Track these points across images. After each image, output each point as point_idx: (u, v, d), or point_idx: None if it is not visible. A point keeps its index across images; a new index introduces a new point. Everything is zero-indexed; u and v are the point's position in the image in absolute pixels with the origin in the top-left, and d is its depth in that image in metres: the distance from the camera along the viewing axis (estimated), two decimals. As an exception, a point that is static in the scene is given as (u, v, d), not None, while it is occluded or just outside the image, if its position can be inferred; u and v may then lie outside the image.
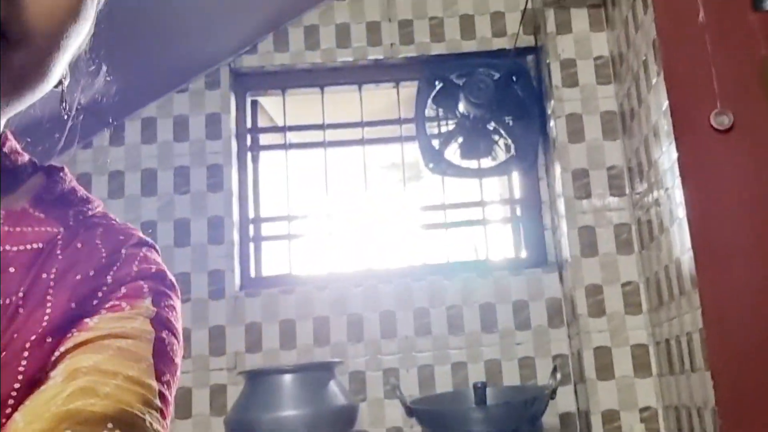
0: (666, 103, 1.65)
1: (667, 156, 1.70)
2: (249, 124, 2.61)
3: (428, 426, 1.97)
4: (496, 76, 2.42)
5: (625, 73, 2.08)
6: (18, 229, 0.64)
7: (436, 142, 2.50)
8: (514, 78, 2.49)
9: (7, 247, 0.61)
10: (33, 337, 0.55)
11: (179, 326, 0.66)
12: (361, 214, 2.68)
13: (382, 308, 2.31)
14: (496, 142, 2.51)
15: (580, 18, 2.29)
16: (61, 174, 0.75)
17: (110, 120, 2.46)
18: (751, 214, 1.52)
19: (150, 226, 2.41)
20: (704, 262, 1.53)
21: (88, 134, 2.50)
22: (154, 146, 2.47)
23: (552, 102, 2.29)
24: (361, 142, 2.63)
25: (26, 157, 0.76)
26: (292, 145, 2.60)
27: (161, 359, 0.60)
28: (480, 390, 1.89)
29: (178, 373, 0.64)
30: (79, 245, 0.66)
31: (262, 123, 2.68)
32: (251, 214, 2.54)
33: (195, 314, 2.31)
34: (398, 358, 2.30)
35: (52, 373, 0.54)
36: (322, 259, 2.53)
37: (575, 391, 2.24)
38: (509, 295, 2.33)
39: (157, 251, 0.71)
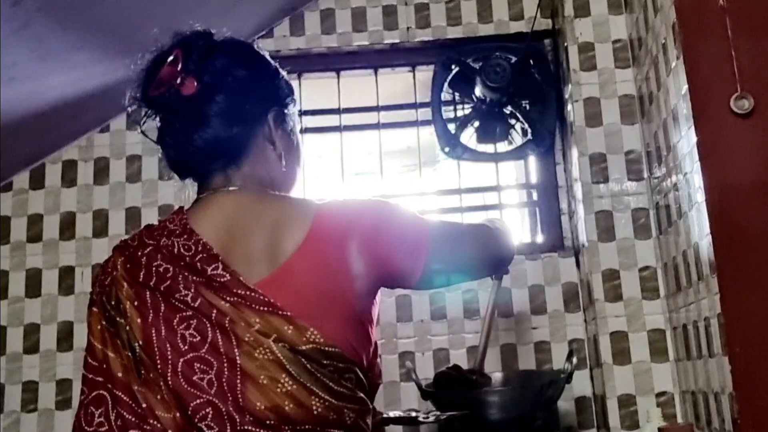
0: (685, 87, 1.63)
1: (686, 140, 1.68)
2: (265, 109, 2.61)
3: (443, 409, 1.97)
4: (513, 59, 2.40)
5: (644, 56, 2.06)
6: None
7: (452, 126, 2.50)
8: (532, 62, 2.47)
9: None
10: None
11: None
12: (376, 198, 2.68)
13: (397, 292, 2.31)
14: (513, 126, 2.50)
15: (598, 1, 2.27)
16: None
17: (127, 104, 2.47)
18: (771, 199, 1.50)
19: (167, 209, 2.42)
20: (723, 247, 1.52)
21: (105, 118, 2.51)
22: (170, 130, 2.48)
23: (569, 86, 2.27)
24: (377, 126, 2.63)
25: None
26: (307, 130, 2.60)
27: None
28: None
29: None
30: None
31: (278, 107, 2.68)
32: (267, 198, 2.54)
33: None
34: (414, 341, 2.31)
35: None
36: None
37: (591, 376, 2.24)
38: (525, 280, 2.33)
39: None
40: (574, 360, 1.84)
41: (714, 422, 1.68)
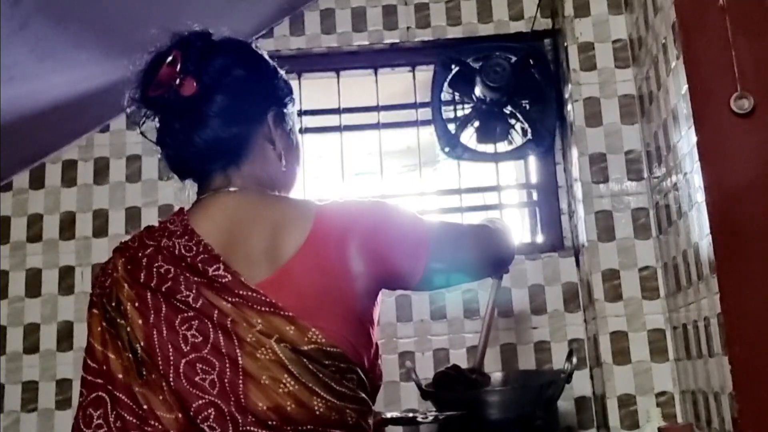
0: (685, 87, 1.64)
1: (686, 140, 1.69)
2: (265, 109, 2.61)
3: (443, 409, 1.97)
4: (513, 59, 2.40)
5: (644, 56, 2.06)
6: None
7: (452, 126, 2.50)
8: (532, 61, 2.47)
9: None
10: None
11: None
12: (376, 199, 2.68)
13: (397, 292, 2.31)
14: (513, 126, 2.50)
15: (598, 1, 2.27)
16: None
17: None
18: (771, 199, 1.50)
19: (167, 209, 2.42)
20: (723, 247, 1.52)
21: (105, 118, 2.51)
22: (170, 130, 2.48)
23: (569, 86, 2.27)
24: (377, 126, 2.63)
25: None
26: (307, 130, 2.60)
27: None
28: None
29: None
30: None
31: (278, 107, 2.68)
32: (267, 198, 2.54)
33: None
34: (414, 341, 2.31)
35: None
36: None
37: (591, 376, 2.24)
38: (525, 280, 2.33)
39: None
40: (574, 360, 1.84)
41: (714, 422, 1.68)
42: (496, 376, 2.11)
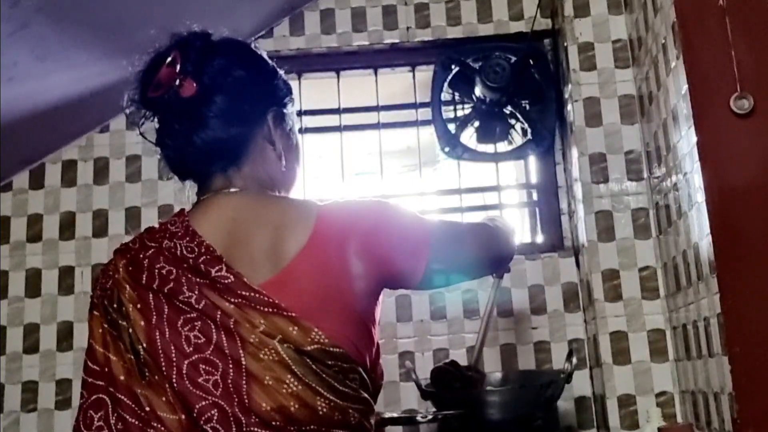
0: (685, 87, 1.64)
1: (686, 140, 1.69)
2: (265, 109, 2.61)
3: (443, 409, 1.97)
4: (513, 59, 2.40)
5: (644, 56, 2.06)
6: None
7: (452, 126, 2.50)
8: (531, 62, 2.47)
9: None
10: None
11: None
12: (377, 198, 2.68)
13: (397, 292, 2.31)
14: (513, 126, 2.50)
15: (598, 1, 2.27)
16: None
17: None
18: (770, 199, 1.50)
19: (167, 209, 2.42)
20: (723, 247, 1.52)
21: (105, 118, 2.51)
22: (170, 130, 2.48)
23: (569, 86, 2.27)
24: (377, 126, 2.63)
25: None
26: (307, 130, 2.60)
27: None
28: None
29: None
30: None
31: (277, 107, 2.68)
32: (267, 198, 2.54)
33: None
34: (414, 341, 2.31)
35: None
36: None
37: (591, 376, 2.24)
38: (525, 280, 2.33)
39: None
40: (574, 360, 1.84)
41: (714, 422, 1.68)
42: (496, 376, 2.11)
